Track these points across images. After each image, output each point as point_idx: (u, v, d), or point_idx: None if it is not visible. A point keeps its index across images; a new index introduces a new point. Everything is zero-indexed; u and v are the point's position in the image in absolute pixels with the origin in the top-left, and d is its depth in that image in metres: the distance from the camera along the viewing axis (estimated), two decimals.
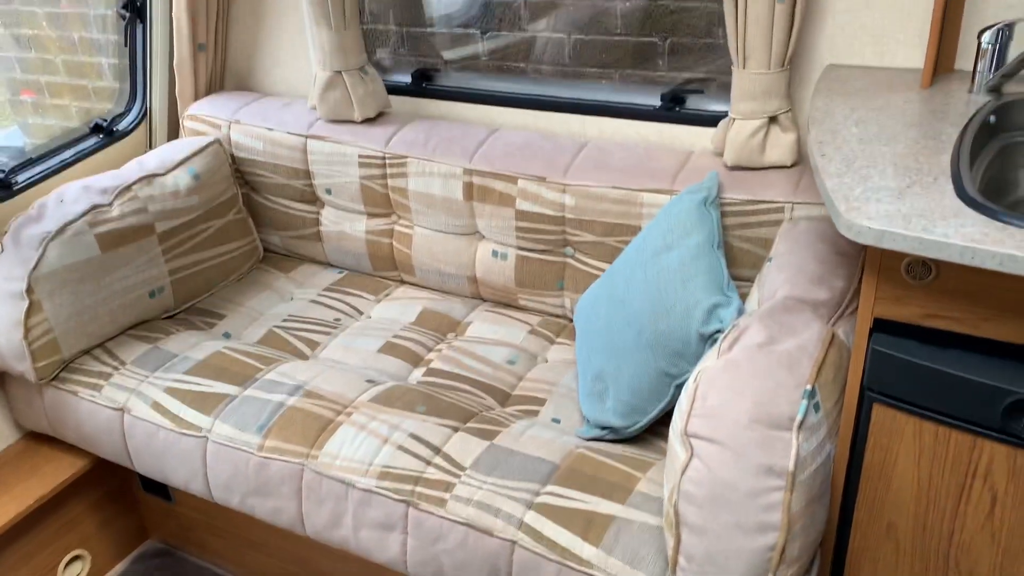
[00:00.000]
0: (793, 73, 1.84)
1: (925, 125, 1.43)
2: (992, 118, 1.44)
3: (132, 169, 2.19)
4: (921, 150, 1.33)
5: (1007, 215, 1.09)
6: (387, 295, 2.29)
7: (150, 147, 2.57)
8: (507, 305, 2.20)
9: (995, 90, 1.54)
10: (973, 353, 1.17)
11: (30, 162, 2.31)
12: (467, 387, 1.89)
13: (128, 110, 2.53)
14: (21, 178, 2.27)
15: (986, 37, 1.51)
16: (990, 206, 1.12)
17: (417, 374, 1.97)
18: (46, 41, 3.54)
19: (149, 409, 1.84)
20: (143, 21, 2.42)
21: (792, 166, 1.82)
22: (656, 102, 2.11)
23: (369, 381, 1.85)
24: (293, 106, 2.38)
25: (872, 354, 1.23)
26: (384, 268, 2.34)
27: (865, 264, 1.21)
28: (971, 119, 1.42)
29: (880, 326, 1.23)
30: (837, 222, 1.16)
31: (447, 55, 2.65)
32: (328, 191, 2.30)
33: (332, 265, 2.45)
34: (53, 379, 1.96)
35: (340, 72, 2.23)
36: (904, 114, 1.48)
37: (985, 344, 1.17)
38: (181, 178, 2.20)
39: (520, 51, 2.58)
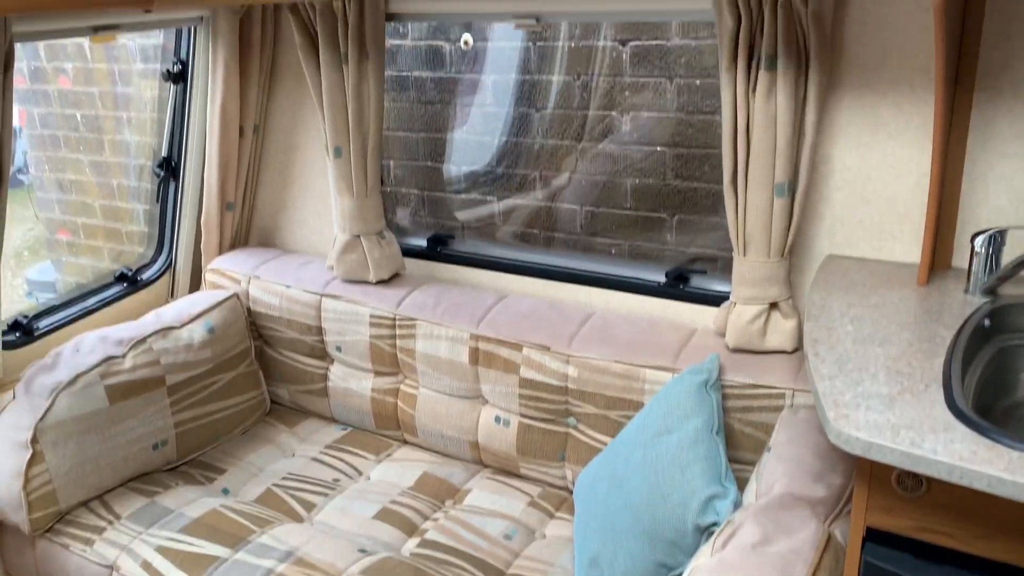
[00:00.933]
0: (794, 260, 1.89)
1: (920, 326, 1.45)
2: (987, 321, 1.46)
3: (149, 321, 2.25)
4: (915, 353, 1.34)
5: (996, 433, 1.09)
6: (388, 455, 2.28)
7: (172, 296, 2.65)
8: (508, 473, 2.18)
9: (991, 291, 1.57)
10: (968, 572, 1.14)
11: (53, 309, 2.38)
12: (460, 562, 1.85)
13: (154, 260, 2.62)
14: (43, 324, 2.33)
15: (979, 241, 1.55)
16: (980, 422, 1.12)
17: (411, 544, 1.93)
18: (87, 186, 3.72)
19: (138, 568, 1.81)
20: (176, 179, 2.55)
21: (793, 352, 1.84)
22: (661, 278, 2.16)
23: (361, 551, 1.81)
24: (312, 264, 2.46)
25: (864, 566, 1.20)
26: (387, 427, 2.34)
27: (856, 472, 1.20)
28: (966, 321, 1.44)
29: (873, 535, 1.21)
30: (826, 428, 1.16)
31: (463, 216, 2.75)
32: (338, 348, 2.34)
33: (336, 421, 2.46)
34: (47, 531, 1.94)
35: (359, 236, 2.31)
36: (899, 313, 1.50)
37: (980, 563, 1.14)
38: (196, 331, 2.25)
39: (533, 218, 2.67)
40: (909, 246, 1.77)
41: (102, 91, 3.51)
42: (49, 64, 3.61)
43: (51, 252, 4.05)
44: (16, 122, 3.83)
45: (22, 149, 3.94)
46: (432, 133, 2.78)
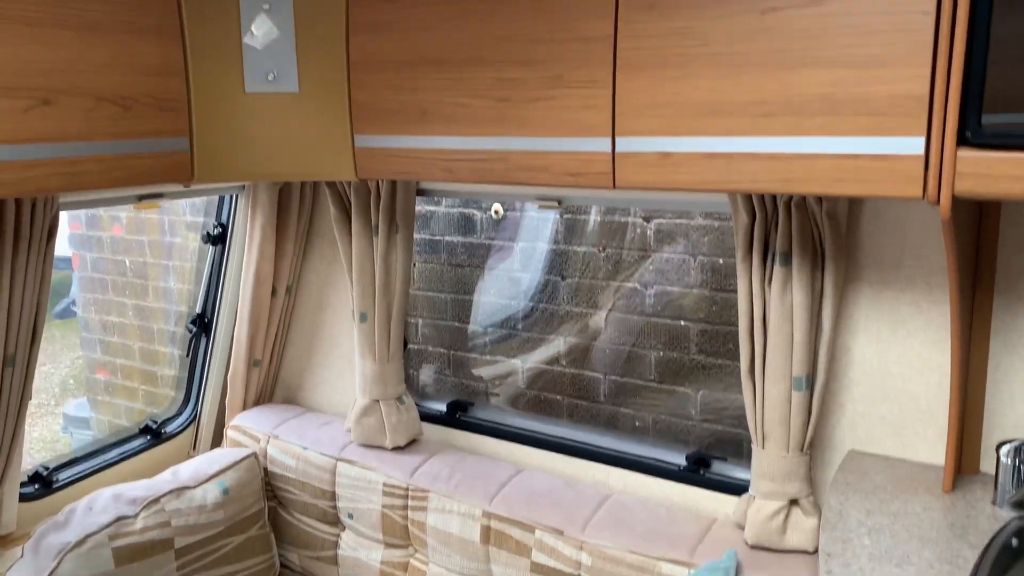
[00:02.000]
0: (816, 454, 1.83)
1: (943, 544, 1.37)
2: (1014, 541, 1.38)
3: (165, 479, 2.25)
4: None
5: None
6: None
7: (194, 450, 2.66)
8: None
9: (1019, 505, 1.49)
10: None
11: (75, 460, 2.40)
12: None
13: (179, 413, 2.65)
14: (63, 476, 2.34)
15: (1004, 451, 1.49)
16: None
17: None
18: (129, 328, 3.83)
19: None
20: (207, 336, 2.61)
21: (814, 552, 1.75)
22: (682, 460, 2.10)
23: None
24: (331, 425, 2.46)
25: None
26: None
27: None
28: (991, 540, 1.37)
29: None
30: None
31: (486, 376, 2.74)
32: (350, 515, 2.30)
33: None
34: None
35: (377, 400, 2.32)
36: (922, 526, 1.44)
37: None
38: (211, 492, 2.24)
39: (556, 384, 2.66)
40: (934, 446, 1.71)
41: (151, 240, 3.67)
42: (105, 212, 3.80)
43: (89, 390, 4.13)
44: (71, 264, 4.01)
45: (74, 290, 4.10)
46: (460, 295, 2.83)
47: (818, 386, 1.72)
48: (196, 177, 1.92)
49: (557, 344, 2.67)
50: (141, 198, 2.19)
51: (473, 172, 1.77)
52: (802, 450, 1.74)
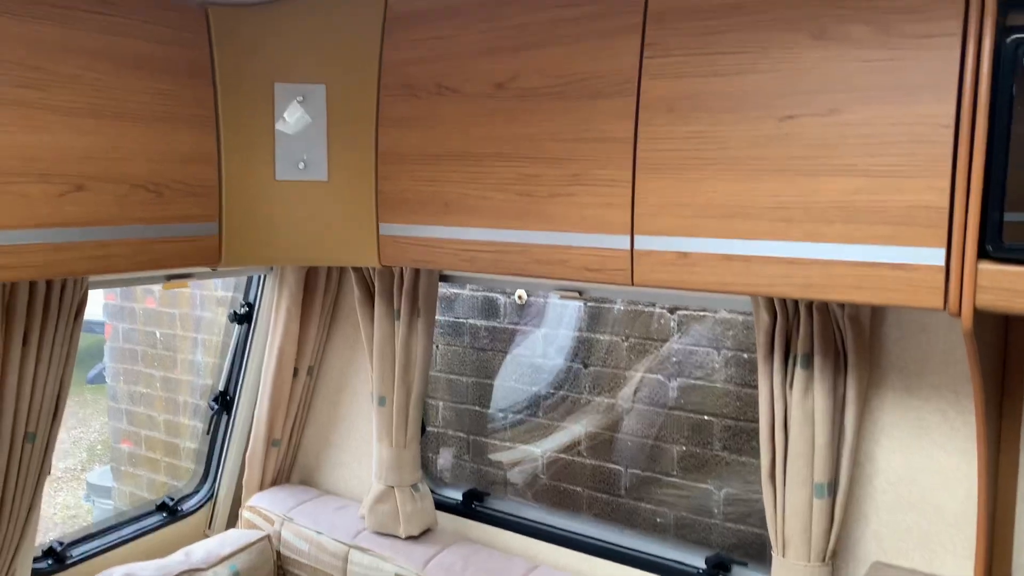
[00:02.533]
0: (838, 563, 1.77)
1: None
2: None
3: (177, 560, 2.23)
4: None
5: None
6: None
7: (209, 528, 2.64)
8: None
9: None
10: None
11: (90, 536, 2.39)
12: None
13: (196, 490, 2.64)
14: (77, 551, 2.33)
15: None
16: None
17: None
18: (155, 400, 3.86)
19: None
20: (228, 414, 2.61)
21: None
22: (701, 563, 2.04)
23: None
24: (347, 510, 2.43)
25: None
26: None
27: None
28: None
29: None
30: None
31: (505, 462, 2.71)
32: None
33: None
34: None
35: (392, 487, 2.29)
36: None
37: None
38: (222, 575, 2.21)
39: (576, 474, 2.61)
40: (962, 560, 1.64)
41: (182, 313, 3.73)
42: (140, 285, 3.88)
43: (113, 460, 4.15)
44: (104, 335, 4.08)
45: (105, 360, 4.16)
46: (482, 379, 2.82)
47: (841, 493, 1.67)
48: (223, 261, 1.95)
49: (578, 433, 2.63)
50: (170, 277, 2.23)
51: (493, 263, 1.78)
52: (824, 560, 1.68)
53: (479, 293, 2.80)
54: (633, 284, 1.59)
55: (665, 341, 2.45)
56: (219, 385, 2.65)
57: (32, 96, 1.56)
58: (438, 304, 2.36)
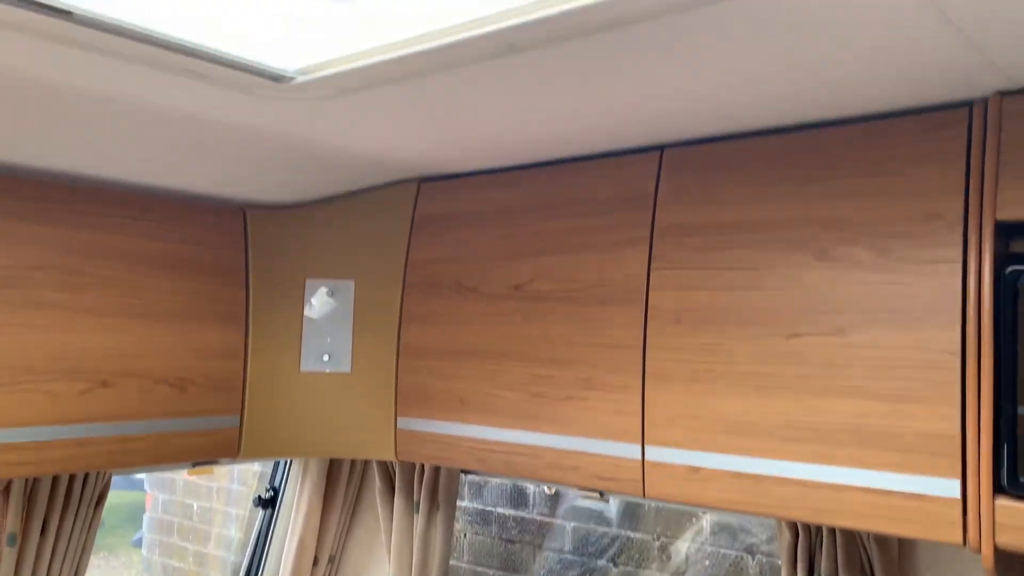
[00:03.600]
0: None
1: None
2: None
3: None
4: None
5: None
6: None
7: None
8: None
9: None
10: None
11: None
12: None
13: None
14: None
15: None
16: None
17: None
18: (188, 575, 3.81)
19: None
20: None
21: None
22: None
23: None
24: None
25: None
26: None
27: None
28: None
29: None
30: None
31: None
32: None
33: None
34: None
35: None
36: None
37: None
38: None
39: None
40: None
41: (220, 486, 3.73)
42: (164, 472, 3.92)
43: None
44: (144, 505, 4.10)
45: (143, 530, 4.15)
46: (508, 572, 2.71)
47: None
48: (242, 454, 1.97)
49: None
50: (195, 463, 2.25)
51: (505, 465, 1.75)
52: None
53: (507, 481, 2.74)
54: (645, 496, 1.54)
55: (698, 544, 2.33)
56: (242, 567, 2.60)
57: (67, 298, 1.65)
58: (466, 490, 2.32)
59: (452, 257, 1.90)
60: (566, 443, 1.66)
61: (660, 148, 1.61)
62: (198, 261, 1.87)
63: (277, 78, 1.17)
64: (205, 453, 1.89)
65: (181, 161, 1.65)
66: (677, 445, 1.50)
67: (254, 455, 1.99)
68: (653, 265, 1.57)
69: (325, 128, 1.47)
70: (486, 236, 1.85)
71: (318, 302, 2.00)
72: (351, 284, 2.02)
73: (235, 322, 1.95)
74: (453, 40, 1.02)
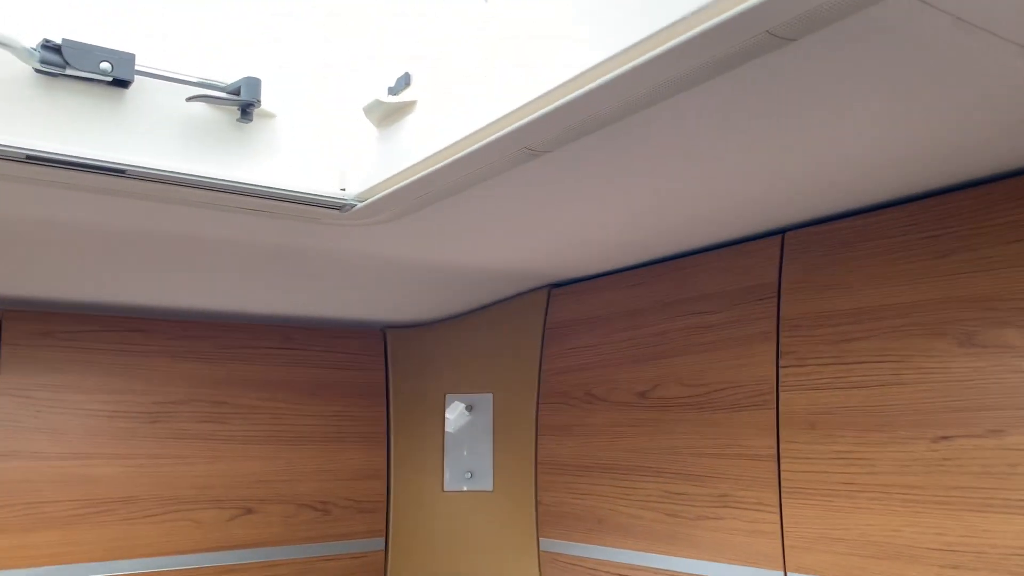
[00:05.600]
0: None
1: None
2: None
3: None
4: None
5: None
6: None
7: None
8: None
9: None
10: None
11: None
12: None
13: None
14: None
15: None
16: None
17: None
18: None
19: None
20: None
21: None
22: None
23: None
24: None
25: None
26: None
27: None
28: None
29: None
30: None
31: None
32: None
33: None
34: None
35: None
36: None
37: None
38: None
39: None
40: None
41: None
42: None
43: None
44: None
45: None
46: None
47: None
48: None
49: None
50: None
51: None
52: None
53: None
54: None
55: None
56: None
57: (212, 429, 1.75)
58: None
59: (580, 365, 1.82)
60: (703, 569, 1.49)
61: (781, 232, 1.46)
62: (339, 384, 1.93)
63: (339, 207, 1.18)
64: None
65: (311, 290, 1.72)
66: (822, 573, 1.28)
67: None
68: (782, 362, 1.40)
69: (415, 246, 1.47)
70: (610, 341, 1.76)
71: (458, 418, 1.98)
72: (489, 398, 1.98)
73: (377, 442, 1.97)
74: (485, 142, 0.97)
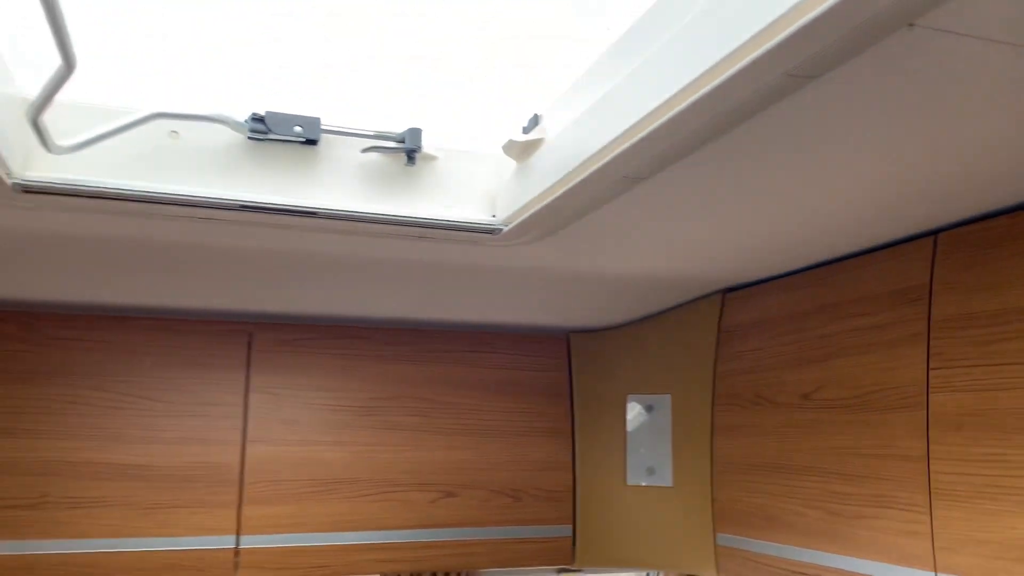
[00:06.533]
0: None
1: None
2: None
3: None
4: None
5: None
6: None
7: None
8: None
9: None
10: None
11: None
12: None
13: None
14: None
15: None
16: None
17: None
18: None
19: None
20: None
21: None
22: None
23: None
24: None
25: None
26: None
27: None
28: None
29: None
30: None
31: None
32: None
33: None
34: None
35: None
36: None
37: None
38: None
39: None
40: None
41: None
42: None
43: None
44: None
45: None
46: None
47: None
48: (576, 562, 2.12)
49: None
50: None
51: None
52: None
53: None
54: None
55: None
56: None
57: (417, 422, 2.02)
58: None
59: (750, 367, 1.88)
60: (861, 567, 1.51)
61: (934, 233, 1.45)
62: (525, 384, 2.13)
63: (491, 231, 1.38)
64: (540, 560, 2.09)
65: (491, 301, 1.94)
66: (967, 574, 1.28)
67: (587, 563, 2.12)
68: (932, 364, 1.40)
69: (571, 259, 1.62)
70: (778, 343, 1.80)
71: (637, 417, 2.11)
72: (668, 399, 2.09)
73: (563, 437, 2.14)
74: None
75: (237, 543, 1.86)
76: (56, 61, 0.92)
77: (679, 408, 2.07)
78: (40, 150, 1.12)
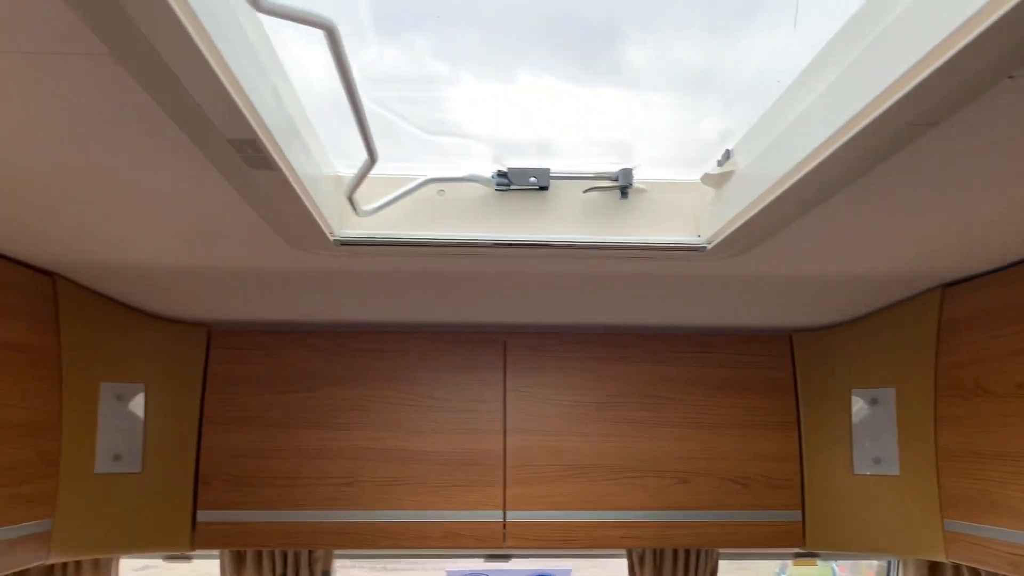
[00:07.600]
0: None
1: None
2: None
3: None
4: None
5: None
6: None
7: None
8: None
9: None
10: None
11: None
12: None
13: None
14: None
15: None
16: None
17: None
18: None
19: None
20: None
21: None
22: None
23: None
24: None
25: None
26: None
27: None
28: None
29: None
30: None
31: None
32: None
33: None
34: None
35: None
36: None
37: None
38: None
39: None
40: None
41: None
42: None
43: None
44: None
45: None
46: None
47: None
48: (808, 545, 2.27)
49: None
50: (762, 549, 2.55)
51: None
52: None
53: None
54: None
55: None
56: None
57: (648, 416, 2.28)
58: None
59: (969, 359, 1.95)
60: None
61: None
62: (748, 381, 2.32)
63: (697, 249, 1.62)
64: (772, 541, 2.26)
65: (720, 305, 2.15)
66: None
67: (819, 547, 2.26)
68: None
69: (777, 266, 1.81)
70: (996, 334, 1.86)
71: (862, 410, 2.23)
72: (892, 392, 2.19)
73: (788, 430, 2.30)
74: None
75: (504, 517, 2.23)
76: (362, 155, 1.32)
77: (903, 400, 2.16)
78: (351, 214, 1.53)
